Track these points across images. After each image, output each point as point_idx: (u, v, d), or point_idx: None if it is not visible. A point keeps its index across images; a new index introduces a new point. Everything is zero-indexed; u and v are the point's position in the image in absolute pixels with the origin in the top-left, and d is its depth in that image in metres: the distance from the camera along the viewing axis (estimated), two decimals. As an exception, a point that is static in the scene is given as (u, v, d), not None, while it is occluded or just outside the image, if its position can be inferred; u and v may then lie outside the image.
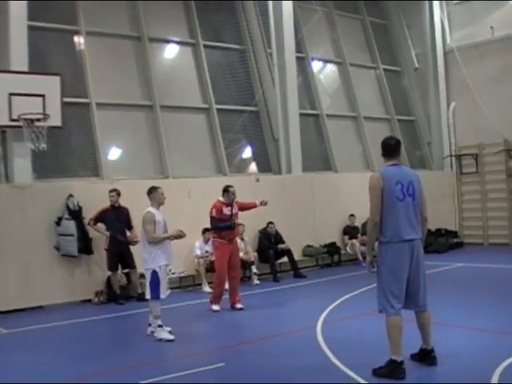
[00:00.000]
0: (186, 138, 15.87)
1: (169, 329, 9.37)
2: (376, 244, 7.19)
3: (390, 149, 7.34)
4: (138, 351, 8.95)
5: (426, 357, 7.32)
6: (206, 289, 13.62)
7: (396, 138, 7.63)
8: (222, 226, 11.39)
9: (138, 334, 10.04)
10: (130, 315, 11.64)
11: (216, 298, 11.49)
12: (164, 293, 9.28)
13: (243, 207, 11.98)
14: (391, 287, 6.94)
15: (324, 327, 9.50)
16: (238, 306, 11.52)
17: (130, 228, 13.13)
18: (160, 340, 9.12)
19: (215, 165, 16.21)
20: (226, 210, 11.49)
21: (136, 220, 13.01)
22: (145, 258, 9.36)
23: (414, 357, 7.41)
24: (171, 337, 9.17)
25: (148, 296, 9.31)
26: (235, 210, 11.65)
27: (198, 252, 14.10)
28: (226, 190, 11.55)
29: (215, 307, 11.41)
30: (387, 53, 22.17)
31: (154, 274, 9.19)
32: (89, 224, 12.88)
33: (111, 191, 13.00)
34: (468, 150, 21.18)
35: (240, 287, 11.89)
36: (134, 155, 15.24)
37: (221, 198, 11.57)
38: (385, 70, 21.64)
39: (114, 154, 15.02)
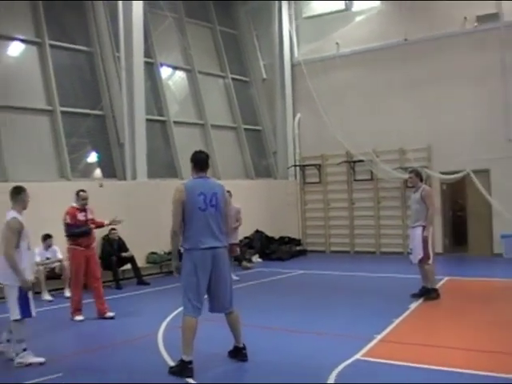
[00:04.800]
0: (28, 141, 15.30)
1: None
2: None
3: (200, 162, 7.71)
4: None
5: (238, 353, 7.86)
6: (46, 297, 13.20)
7: (206, 152, 7.92)
8: (77, 232, 11.03)
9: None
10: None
11: (77, 308, 11.06)
12: (34, 310, 8.19)
13: (93, 223, 11.56)
14: (191, 291, 7.34)
15: (166, 334, 9.46)
16: (109, 314, 11.10)
17: None
18: (30, 365, 7.90)
19: (58, 169, 15.73)
20: (80, 216, 11.13)
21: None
22: (5, 272, 7.93)
23: (230, 353, 7.93)
24: (41, 359, 8.02)
25: (17, 316, 7.96)
26: (89, 215, 11.30)
27: (38, 259, 13.62)
28: (77, 194, 11.24)
29: (78, 317, 10.96)
30: (236, 62, 22.50)
31: (22, 289, 7.95)
32: None
33: None
34: (312, 160, 21.89)
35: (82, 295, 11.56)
36: (-28, 156, 14.51)
37: (74, 204, 11.21)
38: (233, 79, 21.94)
39: (-50, 154, 14.23)
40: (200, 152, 7.79)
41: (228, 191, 14.10)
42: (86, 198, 11.27)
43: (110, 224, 11.90)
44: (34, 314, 8.18)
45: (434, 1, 18.85)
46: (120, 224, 12.10)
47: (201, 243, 7.32)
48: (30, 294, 8.11)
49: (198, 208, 7.34)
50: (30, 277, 8.17)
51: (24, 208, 8.38)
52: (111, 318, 11.05)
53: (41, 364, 7.94)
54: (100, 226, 11.76)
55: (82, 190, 11.34)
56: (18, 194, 8.34)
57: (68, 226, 11.11)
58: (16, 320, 8.03)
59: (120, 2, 17.00)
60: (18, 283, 7.92)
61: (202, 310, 7.43)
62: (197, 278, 7.29)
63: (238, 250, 16.08)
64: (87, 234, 11.18)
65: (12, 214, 8.14)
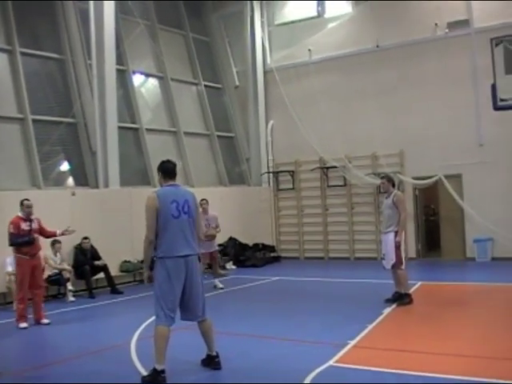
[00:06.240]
0: (-1, 149, 15.17)
1: None
2: None
3: (169, 171, 7.67)
4: None
5: (211, 362, 7.77)
6: (18, 306, 13.08)
7: (173, 161, 7.87)
8: (20, 242, 11.11)
9: None
10: None
11: (22, 315, 11.09)
12: None
13: (43, 233, 11.68)
14: (163, 299, 7.27)
15: (139, 343, 9.35)
16: (45, 321, 11.29)
17: None
18: None
19: (30, 177, 15.57)
20: (24, 225, 11.19)
21: None
22: None
23: (203, 362, 7.85)
24: None
25: None
26: (35, 225, 11.35)
27: (10, 268, 13.42)
28: (21, 204, 11.29)
29: (22, 324, 11.01)
30: (209, 69, 22.50)
31: None
32: None
33: None
34: (285, 166, 21.91)
35: (54, 304, 11.52)
36: None
37: (19, 213, 11.25)
38: (206, 86, 21.93)
39: None
40: (167, 161, 7.74)
41: (205, 199, 14.31)
42: (30, 207, 11.33)
43: (62, 234, 11.91)
44: None
45: (405, 6, 19.03)
46: (72, 234, 12.08)
47: (175, 251, 7.26)
48: None
49: (171, 215, 7.28)
50: None
51: None
52: (47, 323, 11.23)
53: None
54: (52, 235, 12.01)
55: (26, 199, 11.41)
56: None
57: (12, 236, 11.16)
58: None
59: (91, 2, 16.85)
60: None
61: (175, 319, 7.38)
62: (171, 286, 7.23)
63: (218, 256, 16.06)
64: (30, 243, 11.19)
65: None
